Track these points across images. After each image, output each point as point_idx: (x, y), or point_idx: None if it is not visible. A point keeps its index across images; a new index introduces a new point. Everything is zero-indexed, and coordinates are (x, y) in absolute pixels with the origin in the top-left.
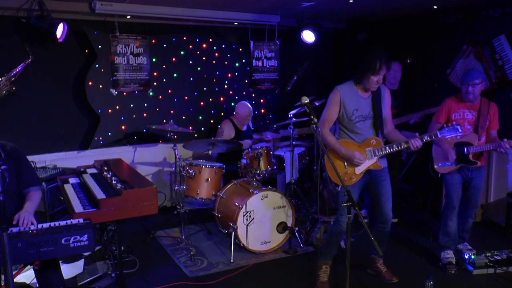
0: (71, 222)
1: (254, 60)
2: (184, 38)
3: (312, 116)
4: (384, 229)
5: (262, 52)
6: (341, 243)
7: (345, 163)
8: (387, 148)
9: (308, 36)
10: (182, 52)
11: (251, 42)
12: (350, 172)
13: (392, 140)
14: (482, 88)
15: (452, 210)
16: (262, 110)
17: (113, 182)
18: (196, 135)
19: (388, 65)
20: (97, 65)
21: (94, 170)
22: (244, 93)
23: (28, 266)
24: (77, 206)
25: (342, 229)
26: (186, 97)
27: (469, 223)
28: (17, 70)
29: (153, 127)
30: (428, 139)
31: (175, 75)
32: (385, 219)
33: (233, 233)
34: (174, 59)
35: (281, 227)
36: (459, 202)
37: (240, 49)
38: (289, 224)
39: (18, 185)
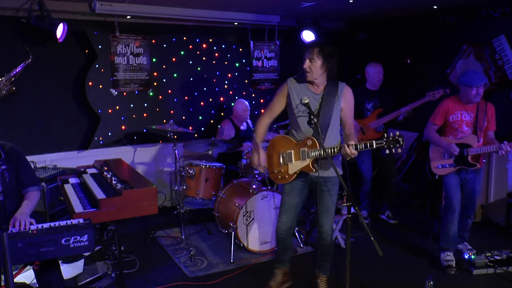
0: (71, 222)
1: (254, 60)
2: (184, 38)
3: (312, 116)
4: (322, 242)
5: (262, 52)
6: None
7: (281, 161)
8: (320, 150)
9: (308, 36)
10: (182, 52)
11: (251, 42)
12: (284, 170)
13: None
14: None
15: (452, 212)
16: (262, 110)
17: (113, 182)
18: (196, 135)
19: (309, 47)
20: (97, 65)
21: (94, 170)
22: (244, 93)
23: (28, 266)
24: (77, 206)
25: (276, 234)
26: (186, 97)
27: (468, 223)
28: (17, 70)
29: (153, 127)
30: (363, 147)
31: (175, 75)
32: (321, 230)
33: (233, 233)
34: (174, 59)
35: None
36: (459, 204)
37: (240, 49)
38: None
39: (18, 185)
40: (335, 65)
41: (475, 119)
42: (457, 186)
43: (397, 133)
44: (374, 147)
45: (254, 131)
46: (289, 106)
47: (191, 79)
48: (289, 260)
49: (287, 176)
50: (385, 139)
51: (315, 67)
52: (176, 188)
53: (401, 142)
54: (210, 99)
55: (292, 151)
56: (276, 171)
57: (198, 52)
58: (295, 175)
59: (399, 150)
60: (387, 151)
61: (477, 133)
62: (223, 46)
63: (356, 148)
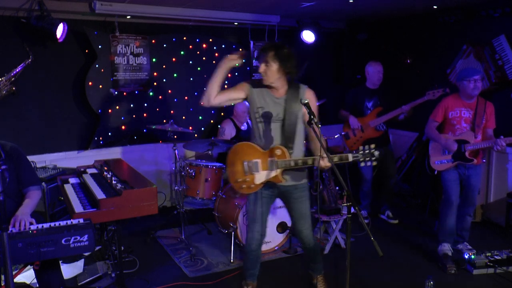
0: (71, 222)
1: (254, 60)
2: (184, 38)
3: (312, 116)
4: (306, 246)
5: None
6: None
7: (246, 169)
8: (292, 162)
9: (308, 36)
10: (182, 52)
11: (251, 42)
12: (250, 180)
13: (313, 149)
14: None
15: (449, 206)
16: None
17: (113, 182)
18: (196, 135)
19: (263, 51)
20: (97, 65)
21: (94, 170)
22: None
23: (28, 266)
24: (77, 206)
25: (249, 246)
26: (186, 97)
27: (467, 221)
28: (17, 70)
29: (153, 127)
30: (338, 160)
31: (175, 75)
32: (301, 236)
33: (233, 233)
34: (174, 59)
35: (281, 227)
36: (457, 199)
37: (240, 49)
38: (289, 224)
39: (19, 184)
40: (294, 67)
41: (474, 116)
42: (455, 181)
43: (372, 146)
44: (350, 160)
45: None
46: (250, 108)
47: (191, 79)
48: (259, 273)
49: (253, 186)
50: (361, 152)
51: (271, 71)
52: (176, 188)
53: (376, 156)
54: None
55: (259, 161)
56: (240, 180)
57: (198, 52)
58: (262, 184)
59: (374, 163)
60: (362, 164)
61: (474, 130)
62: (223, 46)
63: (331, 161)
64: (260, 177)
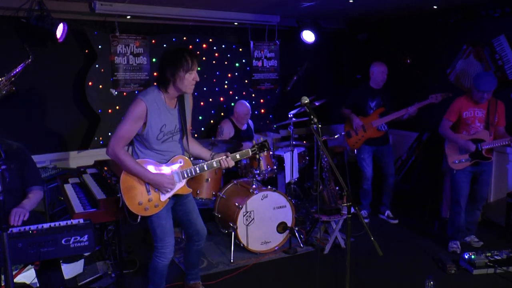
0: (71, 222)
1: (254, 60)
2: (184, 38)
3: (312, 116)
4: (199, 246)
5: (262, 52)
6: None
7: (148, 189)
8: (197, 169)
9: (308, 36)
10: None
11: (251, 42)
12: (154, 199)
13: (196, 154)
14: None
15: (457, 206)
16: (262, 110)
17: (113, 182)
18: (196, 135)
19: (197, 58)
20: (97, 65)
21: (94, 170)
22: (244, 93)
23: (29, 266)
24: (77, 206)
25: (167, 261)
26: None
27: (476, 215)
28: (17, 70)
29: None
30: (239, 157)
31: None
32: (202, 235)
33: (233, 233)
34: None
35: (281, 227)
36: (465, 199)
37: (240, 49)
38: (289, 224)
39: (23, 184)
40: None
41: (487, 115)
42: (466, 180)
43: (261, 138)
44: (250, 155)
45: (123, 167)
46: (149, 130)
47: None
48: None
49: (158, 205)
50: (255, 146)
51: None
52: None
53: (267, 146)
54: (210, 99)
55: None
56: (142, 203)
57: (198, 52)
58: (168, 200)
59: (270, 153)
60: (257, 156)
61: (489, 128)
62: (223, 46)
63: (234, 159)
64: (168, 193)
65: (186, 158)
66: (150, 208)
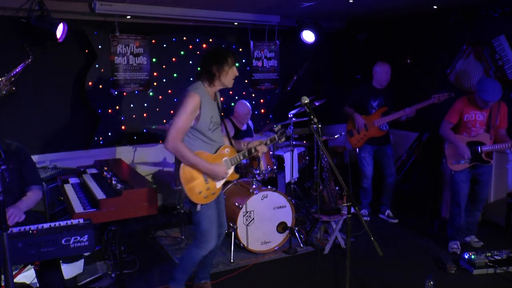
0: (71, 222)
1: (254, 60)
2: (184, 38)
3: (312, 116)
4: (219, 243)
5: (262, 52)
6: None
7: (206, 178)
8: (240, 156)
9: (308, 36)
10: (182, 52)
11: (251, 42)
12: (211, 187)
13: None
14: None
15: (457, 207)
16: (262, 110)
17: (113, 182)
18: None
19: (236, 56)
20: (97, 65)
21: (94, 170)
22: (244, 93)
23: (29, 266)
24: (77, 206)
25: (204, 253)
26: None
27: (476, 216)
28: (17, 70)
29: (153, 127)
30: (269, 142)
31: (175, 75)
32: (223, 234)
33: (233, 233)
34: (174, 59)
35: (281, 227)
36: (465, 199)
37: (240, 49)
38: (289, 224)
39: (22, 183)
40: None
41: (488, 118)
42: (466, 182)
43: (279, 126)
44: (277, 140)
45: (183, 160)
46: (202, 120)
47: (191, 79)
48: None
49: (214, 192)
50: (278, 131)
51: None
52: (176, 188)
53: (286, 133)
54: None
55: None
56: (202, 191)
57: (198, 52)
58: (221, 186)
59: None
60: (282, 139)
61: (489, 132)
62: (223, 46)
63: (266, 144)
64: (222, 180)
65: (231, 146)
66: (208, 196)
